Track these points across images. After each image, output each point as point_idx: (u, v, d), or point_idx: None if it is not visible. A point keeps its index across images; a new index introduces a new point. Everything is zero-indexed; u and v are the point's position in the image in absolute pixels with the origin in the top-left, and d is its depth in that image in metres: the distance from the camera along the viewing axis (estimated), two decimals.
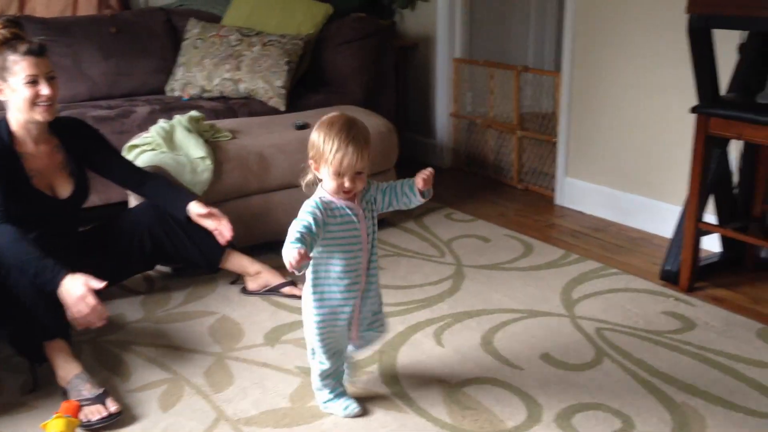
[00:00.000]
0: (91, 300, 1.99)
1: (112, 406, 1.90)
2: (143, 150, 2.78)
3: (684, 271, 2.66)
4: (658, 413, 1.94)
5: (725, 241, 2.84)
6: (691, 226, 2.61)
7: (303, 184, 1.84)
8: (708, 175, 2.60)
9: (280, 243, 3.05)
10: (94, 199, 2.88)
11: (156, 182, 2.56)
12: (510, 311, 2.54)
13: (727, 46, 2.68)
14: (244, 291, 2.66)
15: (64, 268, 2.02)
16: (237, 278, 2.71)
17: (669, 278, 2.73)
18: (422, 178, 1.86)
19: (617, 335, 2.35)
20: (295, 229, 1.69)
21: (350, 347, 1.99)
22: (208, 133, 2.90)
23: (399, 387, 2.07)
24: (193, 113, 2.94)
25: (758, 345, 2.28)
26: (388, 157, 3.28)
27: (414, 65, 4.48)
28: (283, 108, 3.54)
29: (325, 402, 1.96)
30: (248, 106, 3.52)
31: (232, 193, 2.90)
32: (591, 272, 2.85)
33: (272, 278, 2.64)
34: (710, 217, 2.80)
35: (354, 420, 1.92)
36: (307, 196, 1.82)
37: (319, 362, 1.93)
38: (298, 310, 2.54)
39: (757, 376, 2.10)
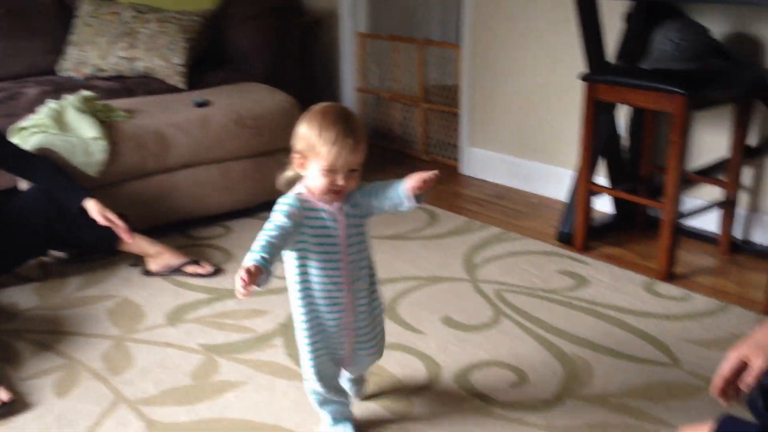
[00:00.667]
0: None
1: (5, 395, 1.85)
2: (32, 132, 2.69)
3: (578, 232, 2.77)
4: (551, 366, 2.03)
5: (616, 202, 2.97)
6: (583, 189, 2.72)
7: (281, 180, 1.61)
8: (597, 140, 2.71)
9: (182, 223, 3.05)
10: None
11: (46, 171, 2.48)
12: (414, 279, 2.59)
13: (614, 16, 2.79)
14: (146, 272, 2.62)
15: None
16: (137, 260, 2.66)
17: (565, 239, 2.84)
18: (417, 181, 1.56)
19: (515, 296, 2.44)
20: (263, 234, 1.46)
21: (345, 374, 1.80)
22: (102, 113, 2.82)
23: None
24: (85, 93, 2.86)
25: (645, 297, 2.40)
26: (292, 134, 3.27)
27: (319, 41, 4.46)
28: (183, 86, 3.47)
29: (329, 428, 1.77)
30: (146, 84, 3.43)
31: (130, 174, 2.83)
32: (493, 238, 2.94)
33: (174, 258, 2.61)
34: (602, 180, 2.93)
35: (257, 393, 1.93)
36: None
37: (312, 388, 1.72)
38: (202, 289, 2.54)
39: (643, 326, 2.22)
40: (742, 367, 1.28)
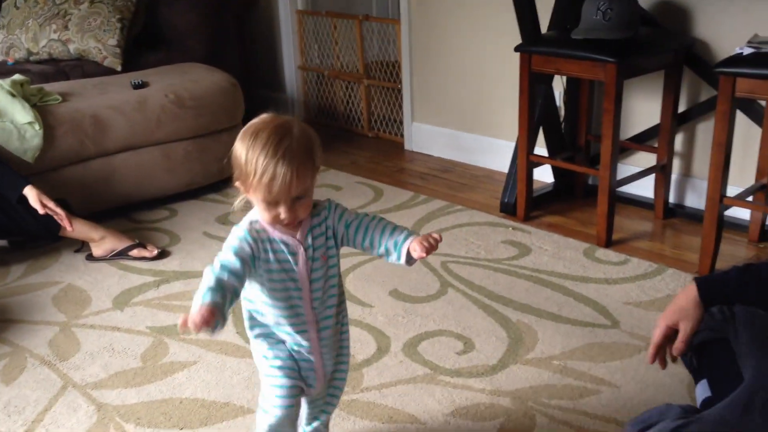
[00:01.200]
0: None
1: None
2: None
3: (520, 202, 2.83)
4: (496, 332, 2.09)
5: (556, 172, 3.05)
6: (523, 160, 2.78)
7: (235, 207, 1.39)
8: (535, 110, 2.77)
9: (125, 207, 3.01)
10: None
11: None
12: (360, 254, 2.61)
13: None
14: (90, 258, 2.59)
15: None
16: (81, 246, 2.62)
17: (507, 210, 2.90)
18: (423, 245, 1.34)
19: (461, 266, 2.49)
20: (210, 273, 1.26)
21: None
22: (36, 98, 2.76)
23: None
24: (16, 77, 2.78)
25: (585, 263, 2.48)
26: (233, 114, 3.25)
27: (258, 19, 4.41)
28: (119, 68, 3.40)
29: None
30: (81, 67, 3.36)
31: (67, 159, 2.78)
32: (438, 210, 2.98)
33: (118, 242, 2.58)
34: (541, 150, 2.99)
35: (208, 372, 1.93)
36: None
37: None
38: (148, 272, 2.52)
39: (584, 291, 2.30)
40: (671, 332, 1.35)
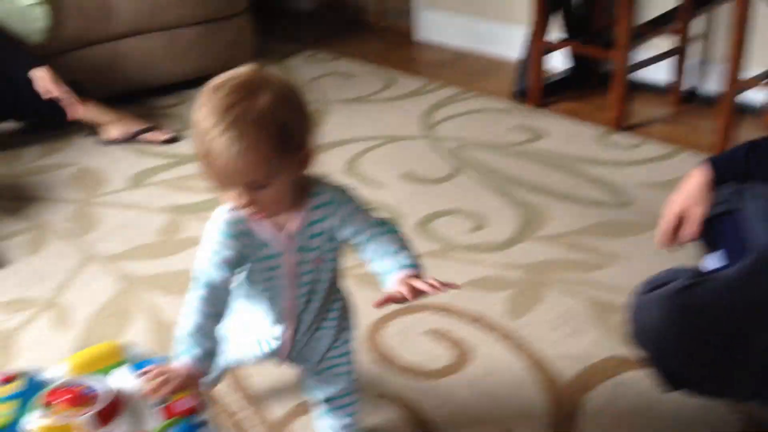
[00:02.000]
0: None
1: None
2: None
3: (533, 88, 2.80)
4: (508, 212, 2.11)
5: (572, 58, 2.99)
6: (537, 43, 2.73)
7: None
8: None
9: (135, 93, 2.99)
10: None
11: None
12: (372, 138, 2.62)
13: None
14: (103, 141, 2.60)
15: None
16: (93, 129, 2.63)
17: (520, 96, 2.88)
18: (413, 287, 1.06)
19: (472, 150, 2.49)
20: (190, 308, 1.05)
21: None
22: None
23: None
24: None
25: (598, 146, 2.48)
26: (236, 1, 3.17)
27: None
28: None
29: None
30: None
31: (73, 43, 2.75)
32: (450, 98, 2.96)
33: (132, 125, 2.58)
34: (556, 35, 2.93)
35: None
36: None
37: None
38: (162, 154, 2.53)
39: (597, 173, 2.31)
40: (681, 219, 1.35)
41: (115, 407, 0.96)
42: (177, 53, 3.01)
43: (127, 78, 2.89)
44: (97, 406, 0.95)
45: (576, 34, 2.90)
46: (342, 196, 1.11)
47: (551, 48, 2.77)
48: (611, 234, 1.98)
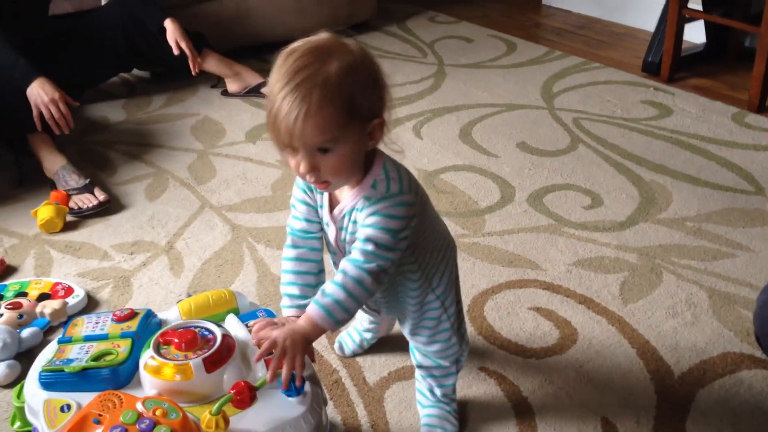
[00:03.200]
0: (63, 106, 1.99)
1: (101, 195, 1.97)
2: None
3: (666, 61, 2.64)
4: (627, 190, 2.01)
5: (709, 31, 2.80)
6: (675, 13, 2.56)
7: None
8: None
9: (255, 48, 3.04)
10: (65, 5, 2.80)
11: None
12: (489, 105, 2.55)
13: None
14: (225, 93, 2.66)
15: (36, 71, 2.00)
16: (217, 81, 2.70)
17: (650, 69, 2.72)
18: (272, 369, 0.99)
19: (594, 124, 2.39)
20: (285, 255, 1.16)
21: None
22: None
23: None
24: None
25: (731, 127, 2.32)
26: None
27: None
28: None
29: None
30: None
31: None
32: (573, 67, 2.84)
33: (252, 79, 2.63)
34: (696, 6, 2.74)
35: None
36: None
37: None
38: None
39: (727, 155, 2.16)
40: None
41: (224, 353, 0.99)
42: (302, 7, 3.03)
43: (252, 32, 2.94)
44: (208, 351, 0.98)
45: (715, 5, 2.70)
46: (384, 202, 1.04)
47: (691, 18, 2.59)
48: (739, 222, 1.85)
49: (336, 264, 1.17)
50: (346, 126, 0.97)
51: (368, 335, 1.46)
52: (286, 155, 1.01)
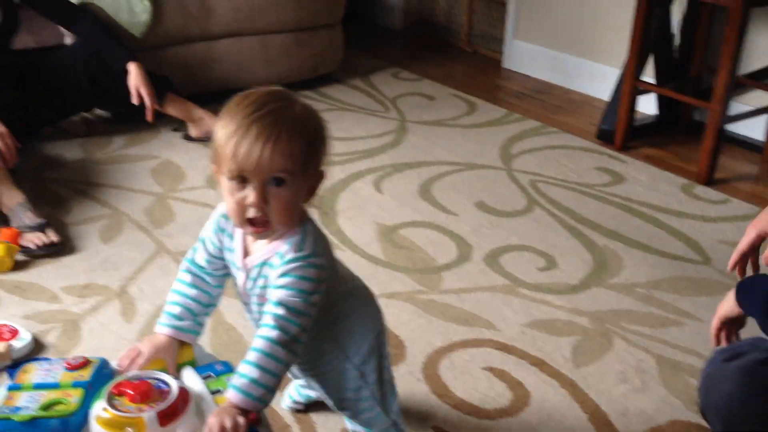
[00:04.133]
0: (9, 141, 1.99)
1: (54, 236, 1.93)
2: None
3: (619, 130, 2.74)
4: (580, 254, 2.06)
5: (661, 102, 2.92)
6: (629, 85, 2.67)
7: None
8: (649, 35, 2.63)
9: (221, 94, 3.04)
10: (28, 41, 2.79)
11: (91, 25, 2.48)
12: (449, 164, 2.60)
13: None
14: (187, 137, 2.66)
15: None
16: (179, 124, 2.69)
17: (605, 137, 2.81)
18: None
19: (550, 187, 2.45)
20: (174, 285, 1.17)
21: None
22: None
23: (336, 227, 2.14)
24: None
25: (681, 198, 2.40)
26: (334, 11, 3.21)
27: None
28: None
29: None
30: None
31: (172, 39, 2.82)
32: (531, 130, 2.92)
33: (215, 125, 2.63)
34: (649, 79, 2.86)
35: None
36: None
37: None
38: None
39: (677, 225, 2.23)
40: (759, 242, 1.28)
41: (180, 406, 0.97)
42: (269, 57, 3.07)
43: (217, 78, 2.95)
44: (163, 404, 0.96)
45: (667, 79, 2.82)
46: (295, 263, 1.04)
47: (644, 90, 2.70)
48: (687, 291, 1.90)
49: (249, 311, 1.18)
50: (306, 164, 1.00)
51: (311, 393, 1.44)
52: (232, 188, 1.00)
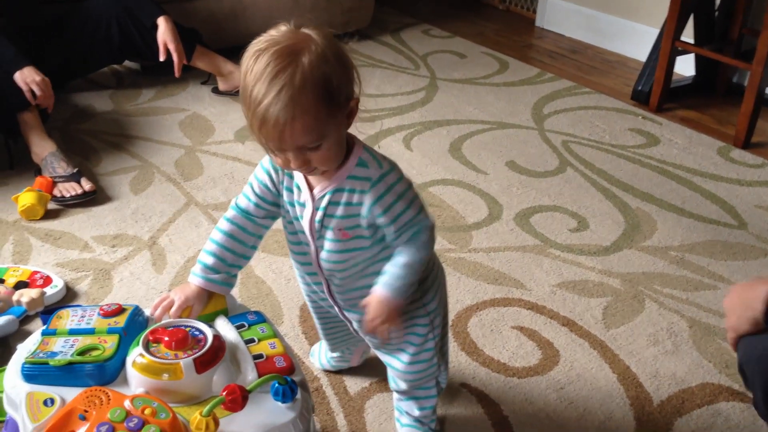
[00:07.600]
0: (47, 88, 2.01)
1: (87, 185, 1.93)
2: None
3: (655, 91, 2.67)
4: (613, 216, 2.03)
5: (699, 64, 2.84)
6: (668, 45, 2.59)
7: None
8: None
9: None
10: None
11: None
12: (480, 122, 2.56)
13: None
14: (216, 91, 2.64)
15: (24, 60, 1.99)
16: (208, 78, 2.68)
17: (640, 98, 2.75)
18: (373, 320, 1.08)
19: (582, 147, 2.40)
20: (220, 224, 1.16)
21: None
22: None
23: None
24: None
25: (717, 161, 2.35)
26: None
27: None
28: None
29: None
30: None
31: None
32: (564, 90, 2.86)
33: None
34: (688, 39, 2.78)
35: None
36: None
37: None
38: None
39: (712, 188, 2.18)
40: None
41: (215, 354, 0.97)
42: (299, 12, 3.02)
43: (246, 31, 2.89)
44: (199, 351, 0.96)
45: (707, 40, 2.74)
46: (383, 179, 1.06)
47: (683, 50, 2.63)
48: (721, 255, 1.87)
49: (309, 261, 1.16)
50: (330, 119, 0.99)
51: (342, 364, 1.44)
52: (272, 153, 1.02)
